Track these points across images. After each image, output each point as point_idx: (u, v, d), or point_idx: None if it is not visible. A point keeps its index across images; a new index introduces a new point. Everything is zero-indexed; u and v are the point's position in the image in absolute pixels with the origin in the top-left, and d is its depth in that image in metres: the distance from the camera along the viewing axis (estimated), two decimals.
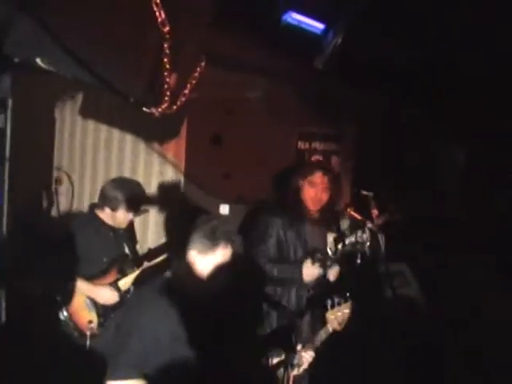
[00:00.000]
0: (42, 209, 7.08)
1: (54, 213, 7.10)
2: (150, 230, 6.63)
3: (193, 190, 6.43)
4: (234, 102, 6.17)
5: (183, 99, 3.59)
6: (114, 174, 6.72)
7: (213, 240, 3.60)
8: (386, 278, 5.70)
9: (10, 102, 4.75)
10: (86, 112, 7.08)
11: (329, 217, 5.57)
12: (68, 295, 5.10)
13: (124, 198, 5.28)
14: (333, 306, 4.50)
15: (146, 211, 6.04)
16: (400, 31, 5.46)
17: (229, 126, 6.40)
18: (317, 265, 5.15)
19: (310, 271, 5.18)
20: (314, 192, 5.38)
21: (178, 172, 6.49)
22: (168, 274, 3.72)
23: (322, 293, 5.23)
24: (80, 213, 6.79)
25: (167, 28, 3.14)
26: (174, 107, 3.53)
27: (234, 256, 3.72)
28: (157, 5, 3.10)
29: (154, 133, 6.57)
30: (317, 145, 7.02)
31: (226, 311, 3.98)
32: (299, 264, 5.22)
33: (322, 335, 4.46)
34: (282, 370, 4.10)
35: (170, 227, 6.33)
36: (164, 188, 6.59)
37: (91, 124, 7.16)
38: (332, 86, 6.05)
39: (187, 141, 6.42)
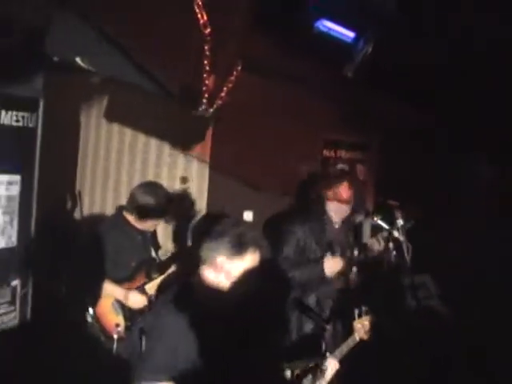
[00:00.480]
0: (66, 210, 7.06)
1: (77, 215, 7.08)
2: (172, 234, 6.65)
3: (217, 196, 6.42)
4: (259, 106, 6.13)
5: (219, 102, 3.56)
6: (137, 178, 6.74)
7: (241, 245, 3.50)
8: (410, 288, 5.64)
9: (41, 103, 4.75)
10: (112, 116, 7.06)
11: (351, 226, 5.53)
12: (95, 297, 5.08)
13: (154, 203, 5.23)
14: (360, 315, 4.46)
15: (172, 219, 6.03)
16: (429, 41, 5.42)
17: (254, 133, 6.37)
18: (337, 256, 5.09)
19: (331, 264, 5.12)
20: (337, 203, 5.33)
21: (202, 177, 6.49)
22: (194, 278, 3.65)
23: (347, 302, 5.18)
24: (104, 215, 6.76)
25: (208, 30, 3.14)
26: (211, 110, 3.50)
27: (262, 261, 3.64)
28: (199, 7, 3.09)
29: (179, 137, 6.57)
30: (342, 153, 6.98)
31: (251, 317, 3.94)
32: (319, 260, 5.17)
33: (350, 344, 4.41)
34: (308, 378, 4.06)
35: (195, 233, 6.31)
36: (188, 194, 6.61)
37: (116, 127, 7.14)
38: (359, 94, 6.01)
39: (212, 145, 6.44)
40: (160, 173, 6.76)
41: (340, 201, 5.30)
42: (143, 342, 3.91)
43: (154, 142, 6.86)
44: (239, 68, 3.66)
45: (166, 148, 6.78)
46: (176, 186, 6.64)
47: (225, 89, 3.60)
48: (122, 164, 7.10)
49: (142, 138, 6.95)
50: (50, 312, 5.41)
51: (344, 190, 5.31)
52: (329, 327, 3.77)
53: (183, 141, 6.62)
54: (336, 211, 5.34)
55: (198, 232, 6.23)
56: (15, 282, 4.69)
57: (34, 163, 4.79)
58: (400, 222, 5.23)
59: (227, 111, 5.57)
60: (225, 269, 3.50)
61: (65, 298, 5.77)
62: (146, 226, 5.36)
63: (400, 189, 5.87)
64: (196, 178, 6.63)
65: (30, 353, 4.84)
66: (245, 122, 6.22)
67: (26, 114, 4.63)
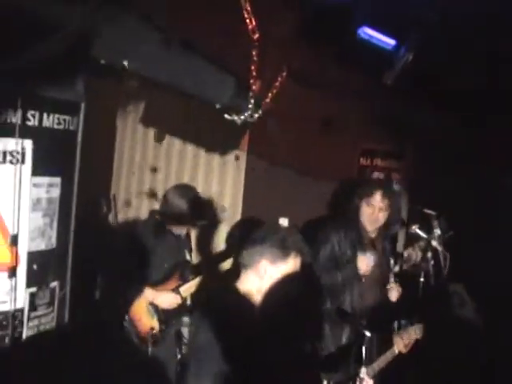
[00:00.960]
0: (101, 214, 7.08)
1: (111, 219, 7.10)
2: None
3: (252, 202, 6.41)
4: (297, 113, 6.12)
5: (264, 108, 3.53)
6: (172, 183, 6.67)
7: (284, 249, 3.52)
8: (446, 297, 5.58)
9: (83, 106, 4.75)
10: (148, 121, 7.09)
11: (386, 236, 5.47)
12: (129, 300, 5.11)
13: (187, 207, 5.25)
14: (399, 328, 4.41)
15: (207, 222, 6.06)
16: (469, 51, 5.38)
17: (289, 140, 6.34)
18: (370, 253, 5.03)
19: (365, 261, 5.03)
20: (371, 212, 5.26)
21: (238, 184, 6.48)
22: (236, 282, 3.65)
23: (384, 313, 5.12)
24: (139, 219, 6.76)
25: (257, 35, 3.11)
26: (256, 115, 3.48)
27: (304, 266, 3.65)
28: (248, 12, 3.07)
29: (216, 142, 6.60)
30: (378, 161, 6.94)
31: (291, 323, 3.91)
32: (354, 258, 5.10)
33: (388, 357, 4.36)
34: None
35: (230, 239, 6.30)
36: (223, 201, 6.63)
37: (152, 132, 7.19)
38: (397, 102, 5.97)
39: (248, 151, 6.47)
40: (195, 177, 6.77)
41: (373, 208, 5.25)
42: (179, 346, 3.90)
43: (190, 148, 6.88)
44: (284, 74, 3.63)
45: (202, 153, 6.80)
46: (212, 190, 6.62)
47: (269, 95, 3.56)
48: (158, 168, 7.11)
49: (178, 142, 6.97)
50: (85, 314, 5.40)
51: (378, 199, 5.24)
52: (369, 334, 3.71)
53: (220, 146, 6.63)
54: (370, 220, 5.27)
55: (237, 237, 6.21)
56: (54, 284, 4.68)
57: (74, 166, 4.79)
58: (437, 231, 5.18)
59: (265, 118, 5.60)
60: (268, 273, 3.50)
61: (100, 300, 5.80)
62: (179, 228, 5.37)
63: (435, 199, 5.82)
64: (231, 183, 6.64)
65: (67, 355, 4.82)
66: (282, 129, 6.18)
67: (67, 118, 4.62)
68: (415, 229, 5.15)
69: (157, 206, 6.20)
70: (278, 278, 3.53)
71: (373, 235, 5.35)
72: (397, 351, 4.36)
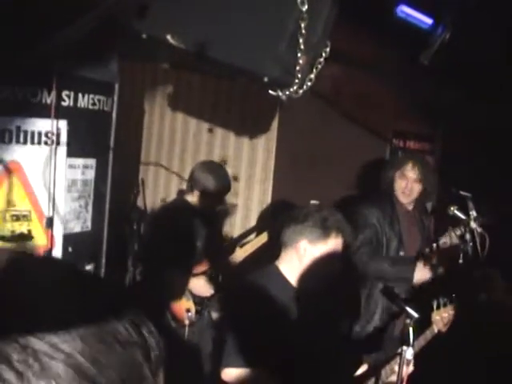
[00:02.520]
0: (130, 198, 6.99)
1: (140, 203, 7.01)
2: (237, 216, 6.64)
3: (282, 186, 6.36)
4: (329, 93, 6.03)
5: (309, 83, 3.41)
6: None
7: (325, 229, 3.45)
8: (481, 281, 5.44)
9: (116, 87, 4.66)
10: (176, 104, 7.00)
11: (422, 212, 5.35)
12: (163, 283, 4.99)
13: (215, 182, 5.14)
14: (438, 307, 4.28)
15: (235, 205, 6.02)
16: (509, 31, 5.22)
17: (320, 121, 6.24)
18: (428, 266, 4.90)
19: (423, 272, 4.94)
20: (404, 183, 5.17)
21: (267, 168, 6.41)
22: (277, 262, 3.57)
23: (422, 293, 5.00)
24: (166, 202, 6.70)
25: (306, 7, 2.97)
26: (301, 91, 3.36)
27: (344, 246, 3.59)
28: None
29: (245, 126, 6.54)
30: (411, 143, 6.83)
31: (330, 302, 3.83)
32: (412, 262, 4.98)
33: (428, 336, 4.23)
34: (387, 370, 3.87)
35: (261, 221, 6.20)
36: (252, 183, 6.56)
37: (180, 116, 7.08)
38: (432, 83, 5.82)
39: (278, 133, 6.38)
40: (226, 161, 6.67)
41: (406, 180, 5.15)
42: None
43: (219, 132, 6.79)
44: (328, 50, 3.49)
45: (232, 136, 6.72)
46: (242, 173, 6.56)
47: (314, 70, 3.43)
48: (186, 153, 7.05)
49: (206, 126, 6.88)
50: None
51: (410, 169, 5.16)
52: (416, 315, 3.59)
53: (250, 129, 6.54)
54: (403, 191, 5.19)
55: (267, 220, 6.11)
56: (89, 267, 4.60)
57: (108, 147, 4.69)
58: (474, 213, 5.03)
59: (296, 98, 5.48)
60: (307, 253, 3.45)
61: (133, 283, 5.75)
62: (207, 206, 5.24)
63: (469, 182, 5.67)
64: (260, 166, 6.56)
65: None
66: (313, 110, 6.10)
67: (102, 98, 4.54)
68: (454, 210, 4.97)
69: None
70: (317, 258, 3.47)
71: (409, 207, 5.24)
72: (436, 330, 4.22)
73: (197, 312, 5.03)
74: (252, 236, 6.21)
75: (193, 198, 5.21)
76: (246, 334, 3.29)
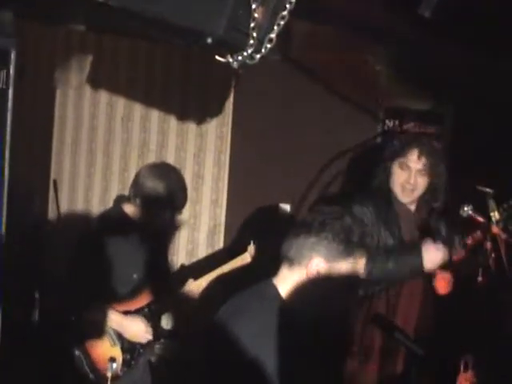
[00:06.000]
0: (36, 206, 6.92)
1: (52, 212, 6.93)
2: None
3: (240, 186, 6.44)
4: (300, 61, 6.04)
5: (268, 46, 3.32)
6: (133, 164, 6.76)
7: (347, 245, 3.43)
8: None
9: (13, 55, 4.52)
10: (98, 81, 6.99)
11: (429, 213, 5.28)
12: (81, 323, 5.00)
13: (166, 190, 5.09)
14: (466, 369, 4.23)
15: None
16: None
17: (288, 98, 6.24)
18: (440, 244, 4.84)
19: (434, 255, 4.87)
20: (405, 177, 5.07)
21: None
22: (274, 279, 3.55)
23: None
24: (90, 212, 6.78)
25: None
26: (258, 56, 3.27)
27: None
28: None
29: (191, 107, 6.58)
30: (410, 125, 6.75)
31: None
32: (417, 247, 4.90)
33: None
34: None
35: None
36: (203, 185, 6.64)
37: (104, 96, 7.07)
38: (435, 45, 5.79)
39: (234, 116, 6.42)
40: (165, 155, 6.71)
41: (408, 172, 5.06)
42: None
43: (156, 115, 6.78)
44: (293, 1, 3.41)
45: (173, 122, 6.72)
46: (187, 172, 6.60)
47: (275, 28, 3.33)
48: (113, 145, 7.03)
49: (139, 109, 6.87)
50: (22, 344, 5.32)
51: (415, 158, 5.07)
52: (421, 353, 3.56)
53: (197, 113, 6.56)
54: (403, 186, 5.09)
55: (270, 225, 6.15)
56: None
57: (4, 136, 4.55)
58: (496, 214, 5.00)
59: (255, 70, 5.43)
60: (320, 273, 3.41)
61: (40, 323, 5.69)
62: (154, 221, 5.18)
63: (487, 174, 5.65)
64: (211, 160, 6.62)
65: None
66: (278, 83, 6.07)
67: None
68: (468, 210, 4.92)
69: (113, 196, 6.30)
70: (333, 280, 3.45)
71: (411, 208, 5.18)
72: None
73: (124, 362, 5.00)
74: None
75: (133, 210, 5.16)
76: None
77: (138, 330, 5.04)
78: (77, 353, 4.96)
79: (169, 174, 5.24)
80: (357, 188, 5.66)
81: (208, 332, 3.69)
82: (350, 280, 3.47)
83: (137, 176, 5.22)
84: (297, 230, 3.49)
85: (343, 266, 3.41)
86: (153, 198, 5.07)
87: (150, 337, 5.05)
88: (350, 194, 5.40)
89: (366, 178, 5.36)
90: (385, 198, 5.15)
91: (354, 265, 3.43)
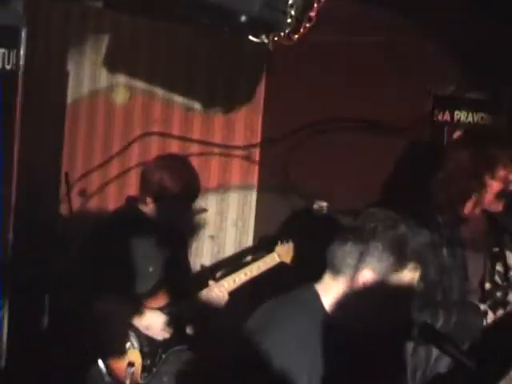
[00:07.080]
0: (47, 202, 6.93)
1: (64, 208, 6.94)
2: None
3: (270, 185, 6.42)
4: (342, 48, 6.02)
5: (308, 25, 3.30)
6: (153, 154, 6.58)
7: (401, 255, 3.36)
8: None
9: (23, 33, 4.53)
10: (115, 62, 6.99)
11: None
12: (100, 325, 5.03)
13: (172, 179, 5.13)
14: None
15: (204, 210, 6.15)
16: None
17: (326, 86, 6.21)
18: None
19: None
20: (501, 187, 4.73)
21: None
22: (315, 287, 3.51)
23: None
24: (105, 208, 6.80)
25: None
26: (295, 36, 3.25)
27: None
28: None
29: (218, 93, 6.62)
30: (461, 115, 6.68)
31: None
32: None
33: None
34: None
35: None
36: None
37: (121, 80, 7.10)
38: (489, 25, 5.73)
39: (265, 107, 6.40)
40: (188, 146, 6.71)
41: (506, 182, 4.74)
42: None
43: (178, 103, 6.79)
44: None
45: (196, 111, 6.74)
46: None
47: (315, 5, 3.31)
48: (132, 134, 7.02)
49: (160, 95, 6.87)
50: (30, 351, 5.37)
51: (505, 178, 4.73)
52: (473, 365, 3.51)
53: (222, 99, 6.59)
54: (495, 201, 4.76)
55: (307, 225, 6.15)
56: None
57: (12, 125, 4.57)
58: None
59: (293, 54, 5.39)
60: (368, 285, 3.37)
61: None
62: (166, 217, 5.24)
63: None
64: (240, 154, 6.65)
65: None
66: (314, 70, 6.04)
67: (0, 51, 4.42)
68: None
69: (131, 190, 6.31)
70: (381, 296, 3.40)
71: (473, 227, 4.94)
72: None
73: (144, 368, 5.00)
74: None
75: (148, 208, 5.20)
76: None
77: (154, 322, 5.08)
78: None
79: (179, 165, 5.29)
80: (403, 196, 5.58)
81: (238, 340, 3.68)
82: (401, 295, 3.43)
83: (143, 172, 5.32)
84: (344, 234, 3.43)
85: (394, 280, 3.37)
86: (160, 190, 5.13)
87: (166, 335, 5.06)
88: (394, 203, 5.32)
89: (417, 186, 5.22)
90: (448, 213, 4.81)
91: (407, 278, 3.38)
